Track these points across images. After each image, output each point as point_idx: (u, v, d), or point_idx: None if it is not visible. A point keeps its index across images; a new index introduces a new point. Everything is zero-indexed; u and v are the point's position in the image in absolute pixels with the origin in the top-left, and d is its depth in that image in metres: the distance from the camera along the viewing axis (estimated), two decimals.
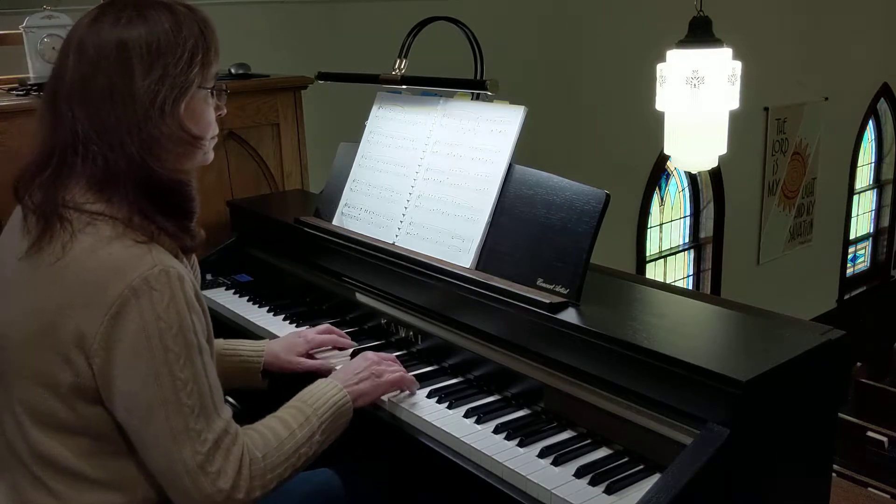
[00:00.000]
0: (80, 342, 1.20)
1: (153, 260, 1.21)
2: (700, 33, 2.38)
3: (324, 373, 1.72)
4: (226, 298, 2.22)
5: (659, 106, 2.45)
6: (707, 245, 6.78)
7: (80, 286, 1.20)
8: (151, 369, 1.19)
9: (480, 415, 1.54)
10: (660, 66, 2.41)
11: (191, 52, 1.27)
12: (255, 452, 1.28)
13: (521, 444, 1.44)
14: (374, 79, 2.10)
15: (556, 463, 1.38)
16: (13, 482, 1.33)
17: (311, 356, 1.77)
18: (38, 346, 1.23)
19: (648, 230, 6.23)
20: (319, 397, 1.44)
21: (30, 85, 2.30)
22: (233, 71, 2.61)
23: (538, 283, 1.63)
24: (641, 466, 1.37)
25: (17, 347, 1.26)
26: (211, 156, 1.40)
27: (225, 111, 1.41)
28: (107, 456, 1.27)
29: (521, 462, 1.39)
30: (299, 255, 2.20)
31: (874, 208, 8.92)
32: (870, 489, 3.66)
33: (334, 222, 2.11)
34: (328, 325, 1.87)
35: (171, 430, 1.20)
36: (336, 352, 1.82)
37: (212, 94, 1.36)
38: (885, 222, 9.00)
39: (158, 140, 1.26)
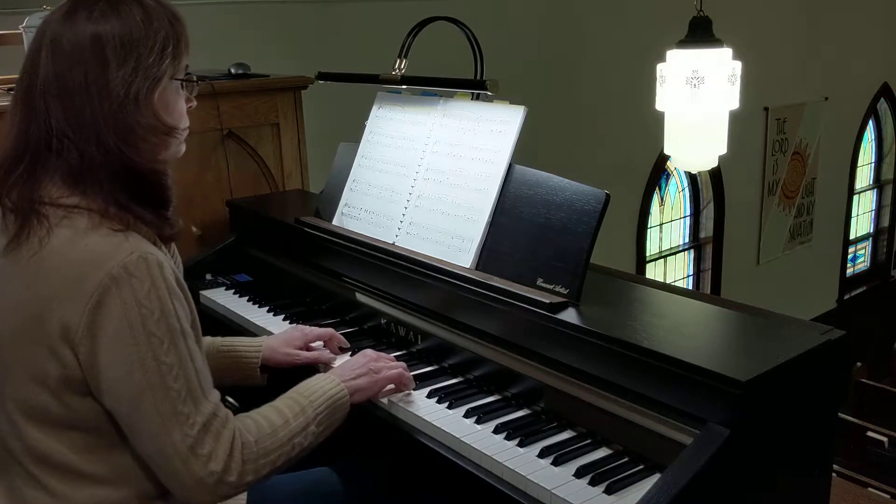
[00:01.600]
0: (64, 334, 1.21)
1: (131, 247, 1.22)
2: (700, 33, 2.38)
3: (322, 366, 1.74)
4: (225, 298, 2.22)
5: (659, 106, 2.46)
6: (707, 245, 6.79)
7: (60, 278, 1.21)
8: (136, 356, 1.20)
9: (480, 415, 1.54)
10: (660, 66, 2.41)
11: (162, 44, 1.29)
12: (247, 437, 1.29)
13: (521, 444, 1.44)
14: (374, 79, 2.10)
15: (556, 463, 1.38)
16: (9, 482, 1.33)
17: (309, 349, 1.78)
18: (24, 342, 1.24)
19: (648, 230, 6.23)
20: (316, 390, 1.45)
21: None
22: (233, 71, 2.61)
23: (538, 283, 1.63)
24: (641, 466, 1.37)
25: (5, 345, 1.27)
26: (183, 148, 1.41)
27: (195, 104, 1.42)
28: (101, 450, 1.28)
29: (521, 462, 1.39)
30: (299, 255, 2.20)
31: (874, 208, 8.93)
32: (870, 489, 3.66)
33: (334, 222, 2.11)
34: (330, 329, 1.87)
35: (159, 414, 1.21)
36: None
37: (182, 85, 1.37)
38: (885, 222, 9.01)
39: (135, 130, 1.27)
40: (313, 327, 1.83)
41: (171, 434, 1.21)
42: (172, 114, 1.34)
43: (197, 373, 1.26)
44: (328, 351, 1.79)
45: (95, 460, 1.28)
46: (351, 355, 1.79)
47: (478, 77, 2.00)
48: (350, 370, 1.54)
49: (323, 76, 2.30)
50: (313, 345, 1.80)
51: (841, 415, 4.06)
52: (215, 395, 1.30)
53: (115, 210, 1.25)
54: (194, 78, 1.40)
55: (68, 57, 1.25)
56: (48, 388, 1.24)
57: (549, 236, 1.64)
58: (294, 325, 1.93)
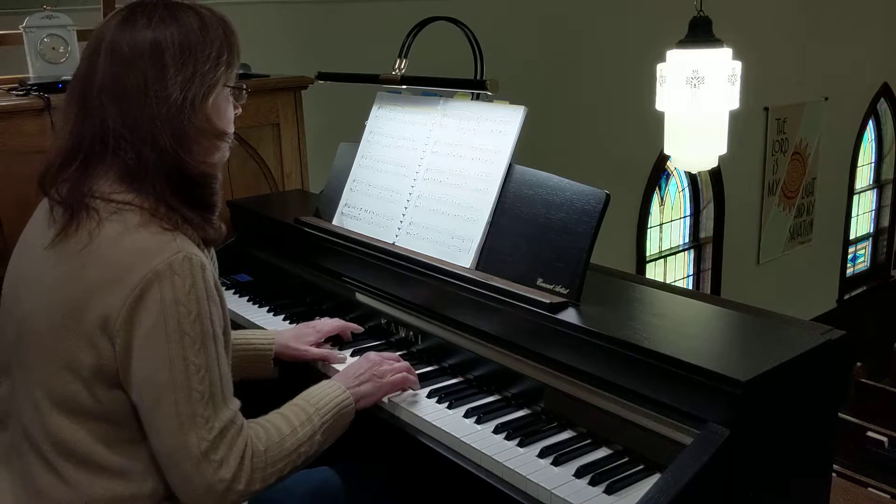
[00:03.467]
0: (104, 324, 1.23)
1: (178, 246, 1.25)
2: (700, 33, 2.38)
3: (321, 363, 1.78)
4: (226, 298, 2.22)
5: (659, 106, 2.46)
6: (707, 245, 6.78)
7: (105, 270, 1.23)
8: (166, 353, 1.22)
9: (480, 415, 1.54)
10: (660, 66, 2.41)
11: (217, 52, 1.34)
12: (258, 445, 1.31)
13: (521, 444, 1.44)
14: (374, 79, 2.10)
15: (556, 463, 1.39)
16: (25, 468, 1.34)
17: (320, 346, 1.82)
18: (63, 331, 1.25)
19: (648, 230, 6.22)
20: (322, 397, 1.46)
21: (30, 85, 2.29)
22: None
23: (538, 283, 1.63)
24: (641, 466, 1.38)
25: (43, 334, 1.28)
26: (228, 154, 1.45)
27: (240, 111, 1.46)
28: (123, 443, 1.29)
29: (521, 462, 1.39)
30: (299, 255, 2.20)
31: (874, 208, 8.91)
32: (870, 489, 3.66)
33: (334, 222, 2.11)
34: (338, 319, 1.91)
35: (178, 414, 1.22)
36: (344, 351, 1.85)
37: (231, 93, 1.41)
38: (885, 222, 8.99)
39: (189, 133, 1.31)
40: (324, 321, 1.87)
41: (187, 435, 1.22)
42: (222, 119, 1.38)
43: (221, 378, 1.28)
44: (336, 351, 1.83)
45: (116, 453, 1.29)
46: (352, 355, 1.80)
47: (478, 77, 2.00)
48: (354, 377, 1.55)
49: (323, 76, 2.30)
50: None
51: (841, 415, 4.07)
52: (235, 403, 1.31)
53: (164, 210, 1.29)
54: (244, 86, 1.45)
55: (127, 60, 1.28)
56: (80, 377, 1.26)
57: (549, 236, 1.64)
58: (305, 322, 1.93)
